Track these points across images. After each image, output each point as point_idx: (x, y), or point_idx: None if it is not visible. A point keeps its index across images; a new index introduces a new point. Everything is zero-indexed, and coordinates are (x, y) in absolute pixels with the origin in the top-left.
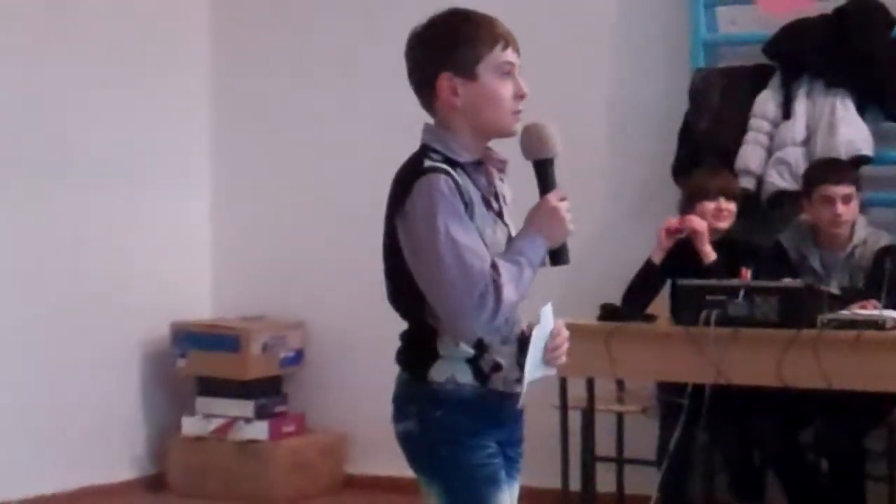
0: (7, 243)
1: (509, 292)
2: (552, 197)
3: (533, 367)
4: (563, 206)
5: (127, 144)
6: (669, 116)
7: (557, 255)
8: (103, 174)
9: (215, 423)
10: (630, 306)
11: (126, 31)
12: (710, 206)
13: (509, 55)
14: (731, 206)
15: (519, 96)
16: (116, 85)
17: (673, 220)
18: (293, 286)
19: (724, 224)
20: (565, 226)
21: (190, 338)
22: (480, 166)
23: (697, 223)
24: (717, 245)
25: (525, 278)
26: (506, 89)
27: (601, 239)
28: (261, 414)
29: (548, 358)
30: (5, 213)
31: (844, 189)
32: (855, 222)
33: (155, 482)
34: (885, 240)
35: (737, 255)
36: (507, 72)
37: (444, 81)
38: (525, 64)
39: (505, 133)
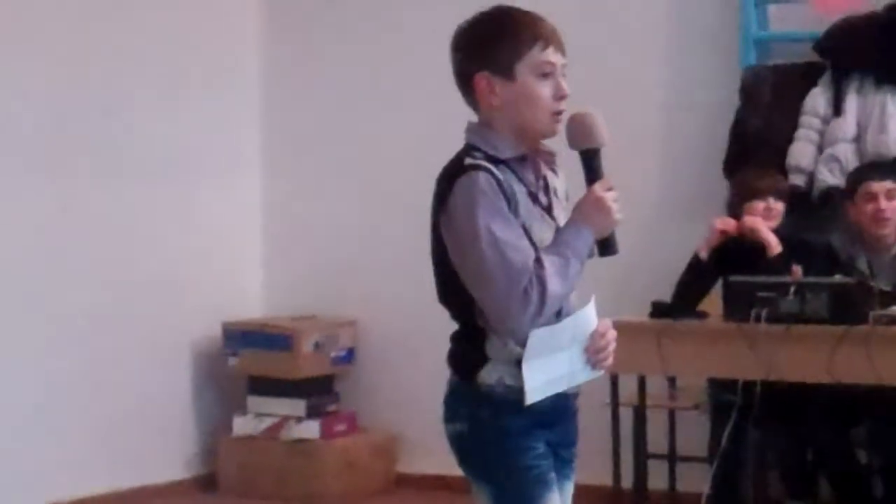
0: (58, 243)
1: (554, 285)
2: (598, 187)
3: (562, 370)
4: (609, 195)
5: (178, 142)
6: (721, 114)
7: (606, 246)
8: (154, 172)
9: (267, 423)
10: (680, 303)
11: (178, 28)
12: (759, 205)
13: (550, 55)
14: (780, 206)
15: (559, 97)
16: (168, 82)
17: (730, 222)
18: (344, 285)
19: (773, 223)
20: (612, 216)
21: (241, 337)
22: (526, 161)
23: (750, 221)
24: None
25: (572, 270)
26: (544, 89)
27: (653, 236)
28: (312, 413)
29: (593, 360)
30: (56, 213)
31: (888, 185)
32: None
33: (206, 482)
34: None
35: (788, 252)
36: (546, 72)
37: (482, 80)
38: (575, 63)
39: (545, 135)
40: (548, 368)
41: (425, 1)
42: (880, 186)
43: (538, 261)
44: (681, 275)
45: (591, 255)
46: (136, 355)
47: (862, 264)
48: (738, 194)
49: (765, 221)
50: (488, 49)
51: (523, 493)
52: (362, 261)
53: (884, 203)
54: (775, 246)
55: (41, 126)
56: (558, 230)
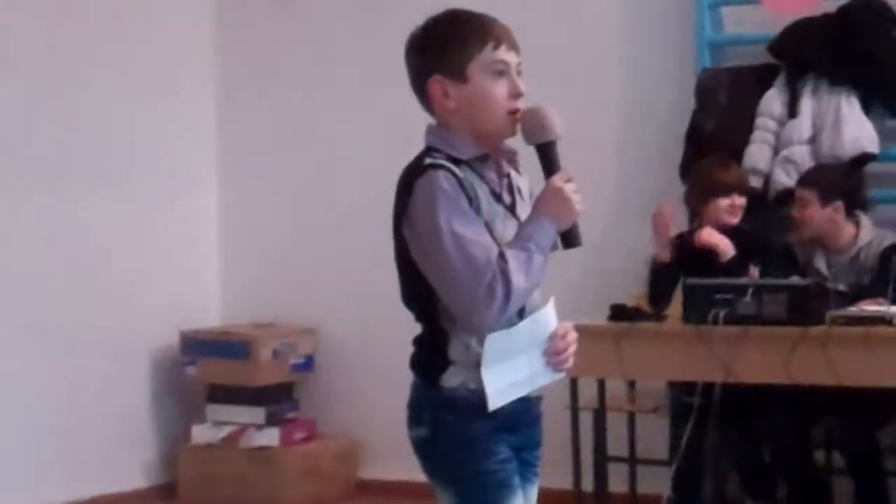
0: (14, 254)
1: (519, 279)
2: (557, 179)
3: (521, 373)
4: (569, 186)
5: (135, 151)
6: (676, 117)
7: (569, 238)
8: (111, 182)
9: (226, 431)
10: (656, 307)
11: (132, 37)
12: (724, 202)
13: (502, 54)
14: (743, 202)
15: (514, 95)
16: (123, 92)
17: (666, 210)
18: (303, 292)
19: (736, 220)
20: (573, 206)
21: (200, 345)
22: (487, 160)
23: (706, 236)
24: (730, 239)
25: (535, 264)
26: (499, 89)
27: (610, 239)
28: (272, 421)
29: (553, 362)
30: (13, 222)
31: (801, 193)
32: (859, 224)
33: (166, 491)
34: (889, 239)
35: (747, 251)
36: (500, 70)
37: (436, 84)
38: (531, 66)
39: (503, 135)
40: (508, 372)
41: (381, 8)
42: (798, 193)
43: (501, 256)
44: (647, 281)
45: (555, 248)
46: (95, 365)
47: (821, 264)
48: (700, 189)
49: (729, 218)
50: (440, 52)
51: (487, 498)
52: (320, 268)
53: (796, 212)
54: (728, 251)
55: None
56: (524, 223)
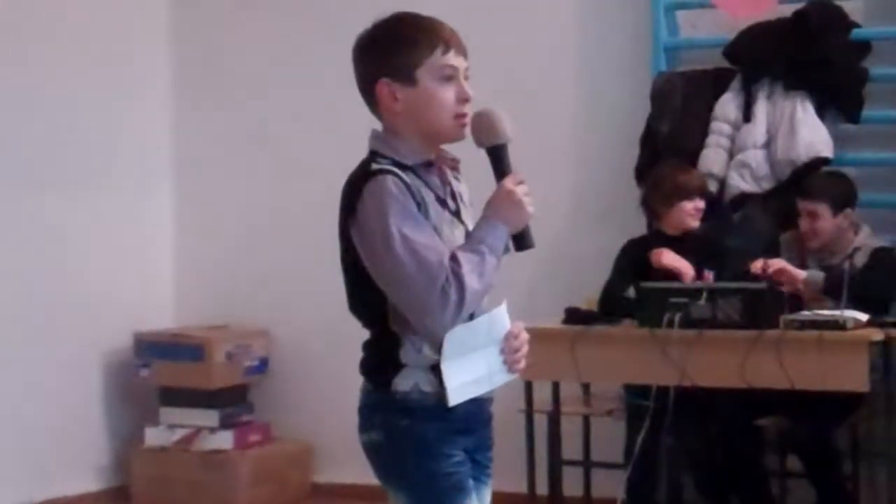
0: None
1: (472, 281)
2: (508, 182)
3: (480, 371)
4: (520, 189)
5: (87, 151)
6: (631, 120)
7: (521, 240)
8: (62, 181)
9: (179, 434)
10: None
11: (85, 32)
12: (689, 205)
13: (451, 59)
14: (703, 205)
15: (462, 100)
16: (75, 89)
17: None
18: (257, 294)
19: (697, 223)
20: (524, 209)
21: (152, 347)
22: (431, 167)
23: (668, 260)
24: (686, 243)
25: (488, 266)
26: (446, 93)
27: (565, 242)
28: (226, 423)
29: (508, 361)
30: None
31: (807, 205)
32: (858, 230)
33: (118, 494)
34: (877, 242)
35: (704, 255)
36: (448, 75)
37: (383, 87)
38: (486, 68)
39: (450, 138)
40: (467, 369)
41: (336, 9)
42: (802, 205)
43: (454, 258)
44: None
45: (507, 251)
46: (47, 366)
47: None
48: (664, 193)
49: (692, 221)
50: (388, 56)
51: (442, 501)
52: (274, 270)
53: (805, 224)
54: (688, 273)
55: None
56: (472, 229)
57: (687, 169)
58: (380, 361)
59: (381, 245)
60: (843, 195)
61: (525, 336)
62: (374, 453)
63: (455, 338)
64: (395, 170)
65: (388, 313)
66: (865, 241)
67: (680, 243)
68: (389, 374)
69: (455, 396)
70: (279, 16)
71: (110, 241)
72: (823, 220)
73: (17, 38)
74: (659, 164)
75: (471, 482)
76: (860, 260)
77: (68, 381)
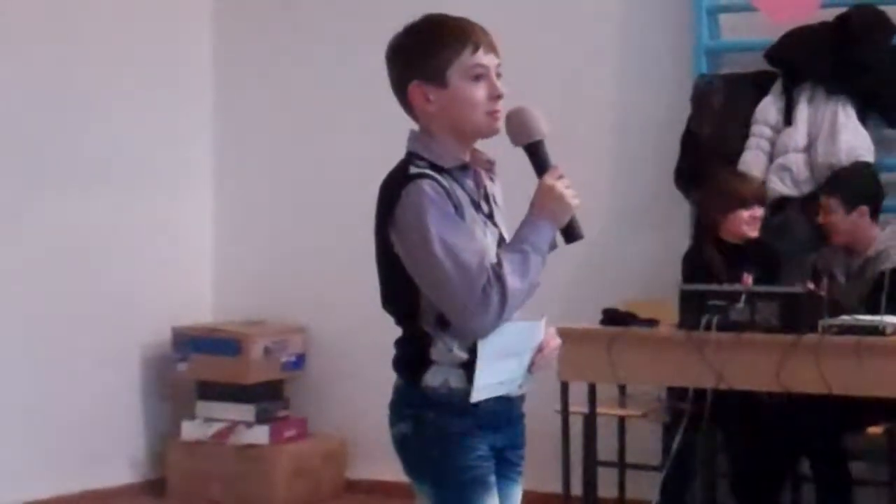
0: (8, 247)
1: (514, 282)
2: (548, 177)
3: (508, 374)
4: (560, 183)
5: (129, 148)
6: (672, 123)
7: (569, 233)
8: (105, 178)
9: (216, 428)
10: None
11: (128, 36)
12: (745, 214)
13: (481, 57)
14: (762, 213)
15: (494, 97)
16: (119, 89)
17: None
18: (295, 290)
19: (755, 232)
20: (567, 201)
21: (191, 342)
22: (467, 169)
23: None
24: (746, 252)
25: (532, 265)
26: (478, 92)
27: (604, 244)
28: (262, 418)
29: (533, 367)
30: (5, 218)
31: (825, 200)
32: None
33: (155, 487)
34: None
35: (769, 264)
36: (478, 74)
37: (416, 90)
38: (527, 71)
39: (485, 133)
40: (498, 371)
41: (382, 6)
42: (822, 201)
43: (497, 260)
44: None
45: (554, 248)
46: (86, 360)
47: (839, 271)
48: (721, 201)
49: (750, 230)
50: (418, 58)
51: (463, 494)
52: (312, 267)
53: (821, 218)
54: None
55: None
56: (503, 238)
57: (744, 176)
58: (411, 358)
59: (421, 249)
60: (858, 191)
61: (555, 343)
62: (402, 445)
63: (495, 340)
64: (433, 173)
65: (420, 311)
66: (886, 245)
67: (737, 251)
68: (420, 370)
69: (478, 394)
70: (324, 11)
71: (150, 236)
72: (834, 214)
73: (60, 37)
74: (713, 169)
75: (493, 478)
76: (879, 264)
77: (107, 375)
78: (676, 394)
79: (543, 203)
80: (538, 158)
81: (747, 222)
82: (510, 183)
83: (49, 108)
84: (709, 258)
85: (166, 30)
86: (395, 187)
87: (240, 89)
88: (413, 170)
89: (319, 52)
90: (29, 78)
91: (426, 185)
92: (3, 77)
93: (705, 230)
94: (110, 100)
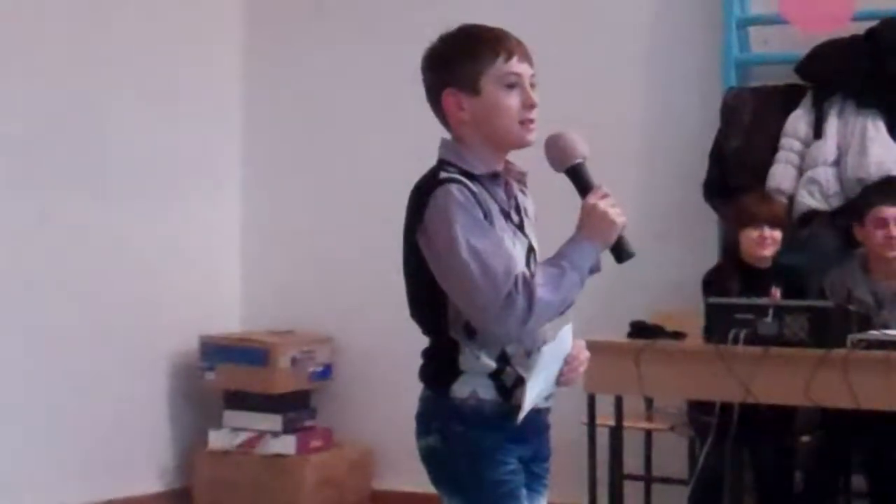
0: (37, 256)
1: (544, 293)
2: (591, 197)
3: (541, 388)
4: (604, 203)
5: (157, 158)
6: (701, 135)
7: (618, 252)
8: (133, 186)
9: (242, 437)
10: None
11: (157, 43)
12: (753, 234)
13: (514, 66)
14: (776, 234)
15: (528, 106)
16: (149, 97)
17: None
18: (322, 301)
19: (768, 252)
20: (612, 220)
21: (218, 351)
22: (498, 178)
23: None
24: (766, 274)
25: (567, 281)
26: (511, 100)
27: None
28: (288, 428)
29: (561, 379)
30: (35, 226)
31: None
32: None
33: (181, 496)
34: None
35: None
36: (511, 83)
37: (449, 98)
38: (557, 83)
39: (518, 144)
40: (538, 386)
41: (409, 20)
42: (891, 212)
43: (531, 272)
44: None
45: (597, 270)
46: (114, 368)
47: (865, 294)
48: (733, 220)
49: (759, 250)
50: (452, 67)
51: None
52: (340, 277)
53: (894, 230)
54: None
55: (19, 140)
56: (532, 249)
57: (763, 196)
58: (438, 368)
59: (447, 251)
60: None
61: (584, 356)
62: (430, 458)
63: (544, 357)
64: (462, 178)
65: (448, 320)
66: None
67: (753, 272)
68: (448, 381)
69: (523, 413)
70: (354, 15)
71: (179, 245)
72: None
73: (87, 43)
74: (742, 183)
75: (523, 491)
76: None
77: (134, 383)
78: (701, 407)
79: (588, 223)
80: (580, 180)
81: (757, 242)
82: (553, 204)
83: (77, 118)
84: (727, 282)
85: (197, 39)
86: (424, 192)
87: (270, 99)
88: (443, 175)
89: (350, 62)
90: (61, 87)
91: (455, 189)
92: (38, 85)
93: (730, 249)
94: (139, 109)
